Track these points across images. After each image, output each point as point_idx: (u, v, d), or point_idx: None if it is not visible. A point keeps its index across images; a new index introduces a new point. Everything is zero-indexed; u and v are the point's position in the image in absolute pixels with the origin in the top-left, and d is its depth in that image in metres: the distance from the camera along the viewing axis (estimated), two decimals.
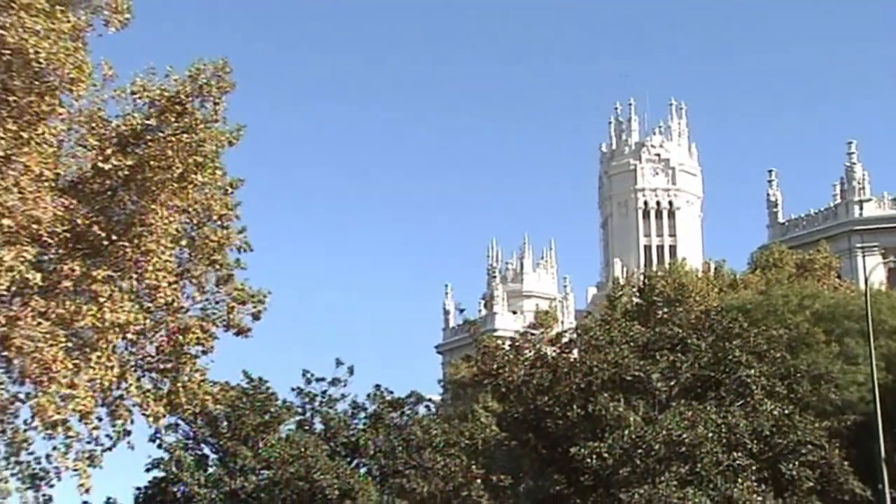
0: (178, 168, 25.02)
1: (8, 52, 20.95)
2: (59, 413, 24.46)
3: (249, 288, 29.20)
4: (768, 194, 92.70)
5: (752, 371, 37.51)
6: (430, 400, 52.59)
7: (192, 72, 25.24)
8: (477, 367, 44.05)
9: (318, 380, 47.94)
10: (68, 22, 22.02)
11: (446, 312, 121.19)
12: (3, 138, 21.39)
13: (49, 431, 26.17)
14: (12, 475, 27.14)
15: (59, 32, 21.26)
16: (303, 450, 42.47)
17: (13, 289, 22.94)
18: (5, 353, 24.06)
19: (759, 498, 33.94)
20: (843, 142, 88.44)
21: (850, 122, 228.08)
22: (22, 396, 25.98)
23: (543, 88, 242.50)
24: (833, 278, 62.92)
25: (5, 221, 21.46)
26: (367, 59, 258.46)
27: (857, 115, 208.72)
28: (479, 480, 39.60)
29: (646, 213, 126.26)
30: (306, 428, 46.71)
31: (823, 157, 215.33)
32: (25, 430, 26.83)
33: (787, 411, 36.45)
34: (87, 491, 27.66)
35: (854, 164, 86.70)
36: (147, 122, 25.72)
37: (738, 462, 34.94)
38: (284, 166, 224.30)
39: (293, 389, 47.68)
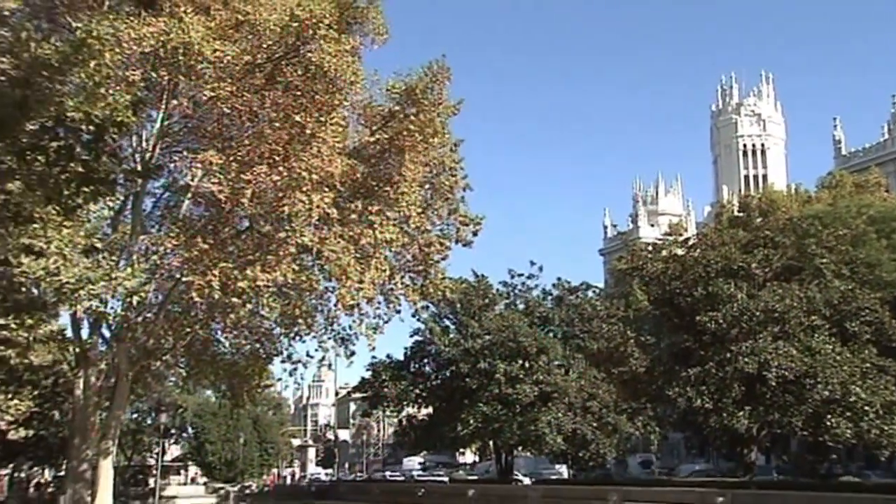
0: (418, 137, 25.56)
1: (313, 66, 21.83)
2: (353, 300, 25.52)
3: (471, 214, 29.78)
4: (834, 134, 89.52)
5: (825, 260, 36.30)
6: (596, 287, 52.43)
7: (424, 69, 25.73)
8: (628, 263, 43.79)
9: (518, 275, 48.43)
10: (349, 44, 22.69)
11: (605, 227, 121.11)
12: (309, 122, 22.19)
13: (348, 312, 27.63)
14: (328, 338, 28.93)
15: (342, 52, 21.88)
16: (510, 321, 43.11)
17: (321, 220, 24.12)
18: (319, 262, 25.38)
19: (830, 347, 32.92)
20: (889, 94, 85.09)
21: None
22: (331, 289, 27.44)
23: (674, 69, 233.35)
24: (883, 192, 59.32)
25: (314, 176, 22.28)
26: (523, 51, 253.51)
27: None
28: (631, 340, 39.47)
29: (744, 153, 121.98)
30: (512, 307, 47.25)
31: (875, 106, 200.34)
32: (335, 311, 28.45)
33: (850, 287, 35.18)
34: (374, 349, 29.17)
35: None
36: (396, 108, 26.46)
37: (815, 323, 33.87)
38: (486, 119, 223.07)
39: (501, 282, 48.35)
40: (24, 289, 18.98)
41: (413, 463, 71.67)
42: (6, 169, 14.99)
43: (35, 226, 16.37)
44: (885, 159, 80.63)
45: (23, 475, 53.39)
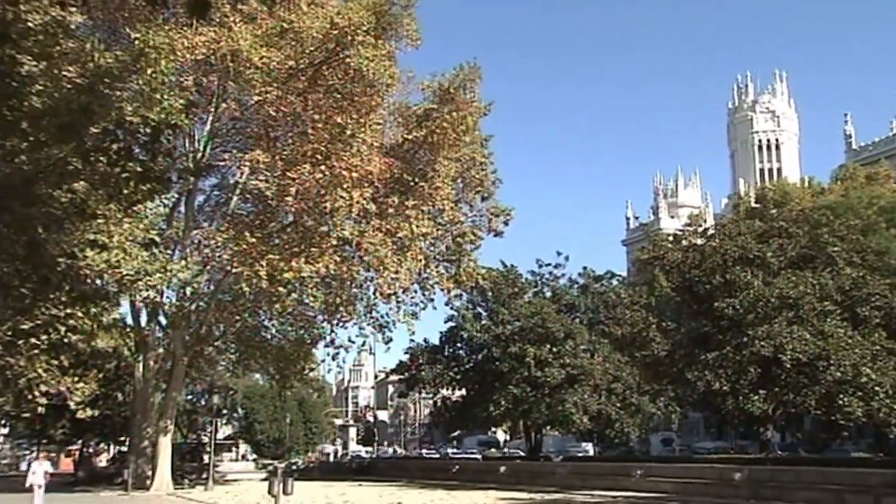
0: (451, 134, 25.64)
1: (352, 70, 22.03)
2: (390, 289, 25.78)
3: (502, 205, 29.76)
4: (845, 129, 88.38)
5: (837, 248, 35.64)
6: (619, 275, 51.98)
7: (456, 70, 25.79)
8: (649, 253, 43.46)
9: (546, 265, 48.10)
10: (385, 49, 22.88)
11: (627, 219, 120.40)
12: (350, 123, 22.38)
13: (386, 300, 27.84)
14: (367, 325, 29.17)
15: (379, 56, 22.04)
16: (539, 308, 42.85)
17: (360, 214, 24.32)
18: (359, 253, 25.59)
19: (842, 330, 32.48)
20: None
21: None
22: (370, 279, 27.64)
23: (690, 72, 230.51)
24: (892, 184, 58.23)
25: (353, 174, 22.53)
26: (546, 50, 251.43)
27: None
28: (653, 326, 39.10)
29: (760, 148, 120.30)
30: (540, 295, 46.92)
31: (883, 102, 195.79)
32: (374, 299, 28.66)
33: (861, 274, 34.59)
34: (413, 334, 29.42)
35: None
36: (431, 107, 26.54)
37: (827, 308, 33.35)
38: (513, 118, 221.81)
39: (529, 272, 48.03)
40: (88, 280, 19.46)
41: (473, 442, 72.16)
42: (72, 169, 15.34)
43: (99, 221, 16.76)
44: (894, 152, 79.38)
45: (90, 451, 54.84)
